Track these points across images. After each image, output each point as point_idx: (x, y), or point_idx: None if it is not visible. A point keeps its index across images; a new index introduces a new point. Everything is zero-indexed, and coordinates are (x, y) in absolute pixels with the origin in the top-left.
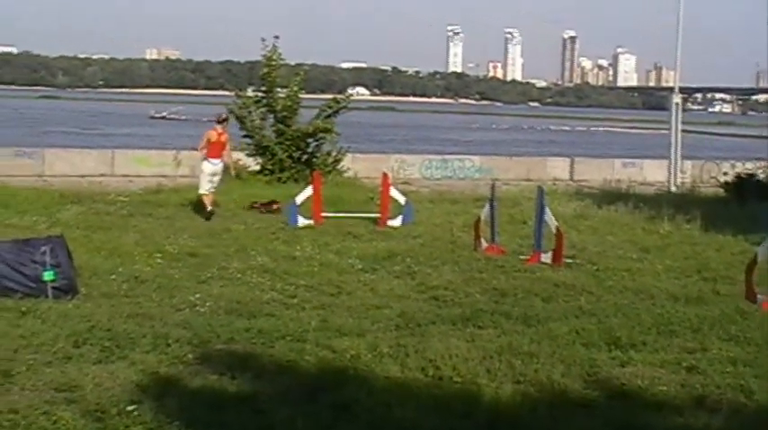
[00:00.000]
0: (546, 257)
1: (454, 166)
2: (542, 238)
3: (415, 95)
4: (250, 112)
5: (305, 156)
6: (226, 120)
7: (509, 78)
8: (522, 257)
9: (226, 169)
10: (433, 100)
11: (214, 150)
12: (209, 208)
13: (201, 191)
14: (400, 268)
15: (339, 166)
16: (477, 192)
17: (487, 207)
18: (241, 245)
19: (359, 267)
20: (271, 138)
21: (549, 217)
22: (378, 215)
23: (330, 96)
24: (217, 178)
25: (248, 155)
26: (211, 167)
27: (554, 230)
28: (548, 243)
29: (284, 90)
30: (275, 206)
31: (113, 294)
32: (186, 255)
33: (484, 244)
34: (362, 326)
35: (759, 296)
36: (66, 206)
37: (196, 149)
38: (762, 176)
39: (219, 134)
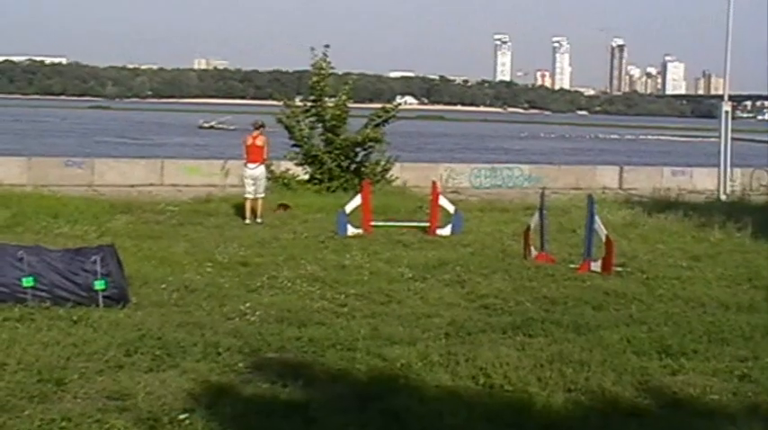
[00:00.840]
0: (596, 266)
1: (503, 175)
2: (592, 247)
3: (463, 104)
4: (299, 122)
5: (354, 166)
6: (261, 126)
7: (557, 87)
8: (572, 266)
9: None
10: (482, 109)
11: (250, 155)
12: (248, 214)
13: (245, 195)
14: (450, 277)
15: (388, 175)
16: (526, 201)
17: (537, 215)
18: (290, 254)
19: (409, 276)
20: (319, 148)
21: (598, 225)
22: (427, 224)
23: (378, 105)
24: (259, 182)
25: (297, 164)
26: (248, 172)
27: (604, 239)
28: (597, 251)
29: (333, 99)
30: (281, 209)
31: (164, 303)
32: (236, 264)
33: (534, 252)
34: (413, 334)
35: None
36: (116, 215)
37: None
38: None
39: (254, 138)
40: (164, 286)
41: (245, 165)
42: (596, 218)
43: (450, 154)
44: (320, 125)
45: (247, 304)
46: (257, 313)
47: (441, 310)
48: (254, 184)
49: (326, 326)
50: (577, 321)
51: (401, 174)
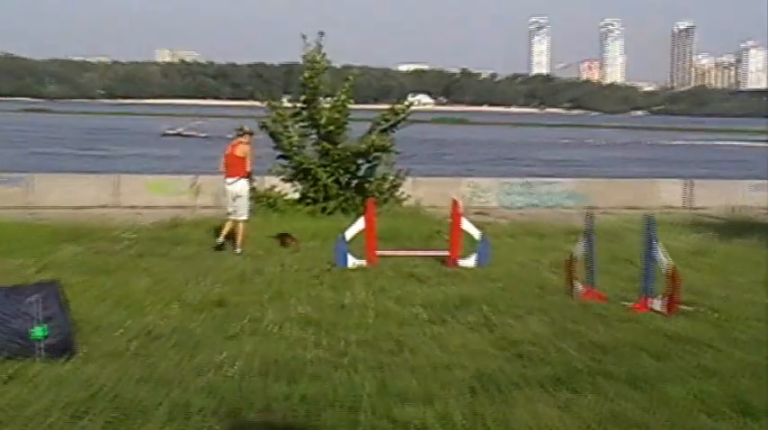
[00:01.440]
0: (657, 304)
1: (540, 192)
2: (652, 280)
3: (490, 104)
4: (287, 127)
5: (355, 181)
6: (248, 133)
7: (607, 81)
8: (626, 304)
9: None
10: (514, 110)
11: (228, 167)
12: (221, 238)
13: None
14: (475, 318)
15: (397, 193)
16: (569, 224)
17: (583, 242)
18: (277, 291)
19: (424, 318)
20: (313, 160)
21: (660, 253)
22: (446, 253)
23: (386, 106)
24: (238, 201)
25: (285, 180)
26: (226, 187)
27: (667, 270)
28: (659, 286)
29: (329, 99)
30: (289, 241)
31: (120, 353)
32: (210, 305)
33: (579, 288)
34: (430, 390)
35: None
36: (61, 245)
37: (220, 172)
38: None
39: (233, 146)
40: (120, 332)
41: (225, 179)
42: (657, 244)
43: (475, 166)
44: (314, 131)
45: (224, 354)
46: (236, 365)
47: (464, 360)
48: (233, 203)
49: (323, 380)
50: (634, 373)
51: (414, 191)
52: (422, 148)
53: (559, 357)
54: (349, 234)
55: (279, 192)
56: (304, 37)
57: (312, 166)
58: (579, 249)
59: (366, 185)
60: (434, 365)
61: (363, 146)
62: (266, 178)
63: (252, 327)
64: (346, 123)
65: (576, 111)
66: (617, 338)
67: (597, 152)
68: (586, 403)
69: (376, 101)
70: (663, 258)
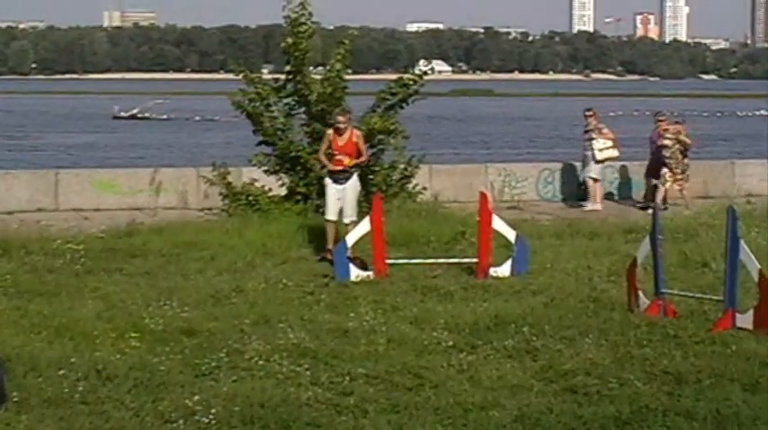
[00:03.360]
0: (744, 320)
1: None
2: (737, 289)
3: (521, 71)
4: (269, 106)
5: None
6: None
7: (668, 39)
8: (706, 321)
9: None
10: (551, 77)
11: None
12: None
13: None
14: (514, 343)
15: (410, 186)
16: (628, 220)
17: (646, 242)
18: (262, 313)
19: (448, 343)
20: (302, 145)
21: (746, 254)
22: (474, 260)
23: (392, 77)
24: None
25: (268, 171)
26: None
27: (755, 276)
28: (746, 297)
29: (321, 70)
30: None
31: (64, 400)
32: (178, 333)
33: (644, 300)
34: None
35: None
36: None
37: (185, 165)
38: None
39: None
40: (62, 372)
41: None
42: (741, 243)
43: (505, 149)
44: (302, 110)
45: (196, 397)
46: (213, 411)
47: (501, 398)
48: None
49: (323, 428)
50: (720, 411)
51: (431, 182)
52: (439, 128)
53: (623, 392)
54: (351, 239)
55: (261, 187)
56: None
57: (301, 154)
58: (643, 252)
59: (370, 177)
60: (464, 405)
61: (365, 127)
62: (244, 170)
63: (231, 362)
64: (342, 99)
65: (630, 77)
66: (696, 366)
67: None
68: None
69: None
70: (750, 260)
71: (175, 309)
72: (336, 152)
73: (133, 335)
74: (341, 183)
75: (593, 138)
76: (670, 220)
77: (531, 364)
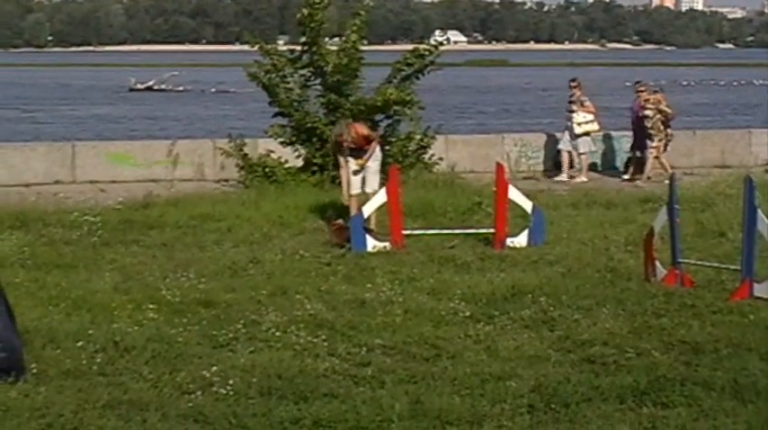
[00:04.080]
0: (762, 289)
1: (606, 149)
2: (754, 258)
3: (537, 41)
4: (284, 78)
5: None
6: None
7: (684, 8)
8: (723, 290)
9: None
10: (567, 46)
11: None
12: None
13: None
14: (531, 313)
15: (426, 157)
16: (644, 190)
17: (663, 212)
18: (279, 285)
19: (465, 314)
20: (318, 117)
21: (763, 224)
22: (491, 230)
23: (408, 47)
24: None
25: (284, 143)
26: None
27: None
28: (763, 266)
29: (336, 41)
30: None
31: (82, 372)
32: (195, 305)
33: (661, 270)
34: (476, 408)
35: None
36: (2, 233)
37: (201, 137)
38: None
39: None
40: (81, 344)
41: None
42: (759, 212)
43: (522, 119)
44: (318, 81)
45: (214, 368)
46: (230, 382)
47: (519, 368)
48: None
49: (340, 399)
50: (738, 380)
51: (447, 153)
52: (455, 98)
53: (641, 362)
54: (367, 209)
55: (276, 158)
56: None
57: (317, 125)
58: (659, 221)
59: (387, 148)
60: (482, 376)
61: (380, 99)
62: (260, 142)
63: (248, 333)
64: (358, 70)
65: (646, 46)
66: (713, 335)
67: (675, 97)
68: (678, 421)
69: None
70: (767, 229)
71: (192, 281)
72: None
73: (150, 306)
74: (361, 156)
75: (573, 111)
76: (686, 189)
77: (548, 335)
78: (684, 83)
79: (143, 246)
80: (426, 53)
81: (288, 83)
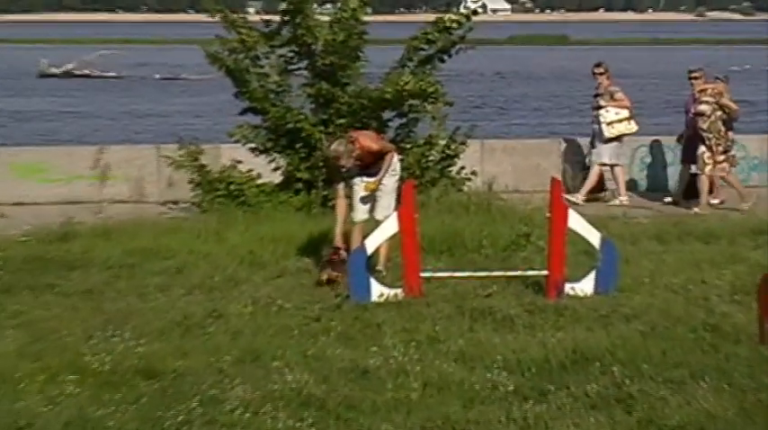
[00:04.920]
0: None
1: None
2: None
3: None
4: (257, 59)
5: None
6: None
7: None
8: None
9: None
10: (650, 16)
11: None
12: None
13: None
14: (599, 388)
15: (453, 170)
16: (758, 217)
17: None
18: (249, 348)
19: (508, 389)
20: (303, 114)
21: None
22: (543, 273)
23: (429, 17)
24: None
25: (256, 150)
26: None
27: None
28: None
29: (329, 9)
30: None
31: None
32: (132, 375)
33: None
34: None
35: None
36: None
37: (141, 142)
38: None
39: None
40: None
41: None
42: None
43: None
44: (304, 66)
45: None
46: None
47: None
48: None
49: None
50: None
51: (482, 165)
52: (495, 89)
53: None
54: (372, 243)
55: (247, 172)
56: None
57: (302, 125)
58: None
59: (400, 157)
60: None
61: (391, 89)
62: (223, 148)
63: (206, 415)
64: (360, 49)
65: (761, 16)
66: None
67: None
68: None
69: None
70: None
71: (128, 342)
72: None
73: (70, 377)
74: (372, 173)
75: (601, 107)
76: None
77: (624, 418)
78: None
79: (60, 294)
80: (454, 26)
81: (262, 66)
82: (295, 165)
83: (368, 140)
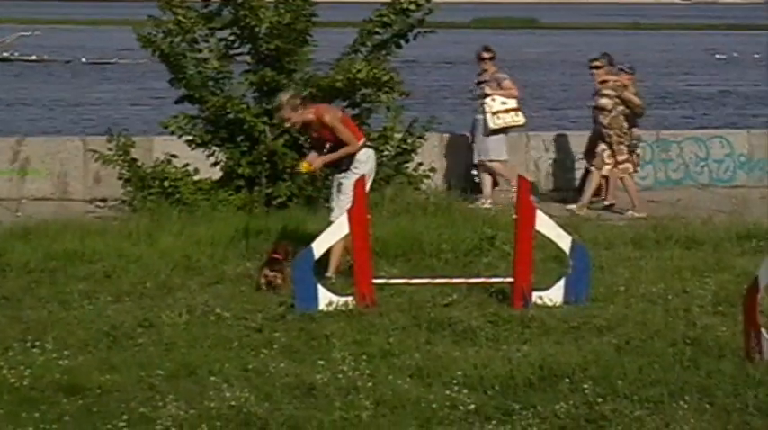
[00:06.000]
0: None
1: (687, 157)
2: None
3: None
4: (194, 43)
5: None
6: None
7: None
8: None
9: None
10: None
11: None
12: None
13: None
14: (569, 407)
15: (410, 166)
16: (743, 220)
17: None
18: (183, 361)
19: (469, 408)
20: (245, 104)
21: None
22: (508, 280)
23: None
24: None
25: (193, 143)
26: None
27: None
28: None
29: None
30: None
31: None
32: (54, 391)
33: None
34: None
35: None
36: None
37: (65, 133)
38: None
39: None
40: None
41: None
42: None
43: (559, 109)
44: (246, 51)
45: None
46: None
47: None
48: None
49: None
50: None
51: (442, 160)
52: (457, 77)
53: None
54: (320, 247)
55: (183, 167)
56: None
57: (244, 116)
58: (767, 270)
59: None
60: None
61: (342, 77)
62: (156, 141)
63: None
64: (308, 33)
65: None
66: None
67: None
68: None
69: None
70: None
71: (50, 355)
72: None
73: None
74: (342, 170)
75: (487, 95)
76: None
77: None
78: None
79: None
80: (412, 8)
81: (200, 51)
82: (236, 159)
83: (324, 110)
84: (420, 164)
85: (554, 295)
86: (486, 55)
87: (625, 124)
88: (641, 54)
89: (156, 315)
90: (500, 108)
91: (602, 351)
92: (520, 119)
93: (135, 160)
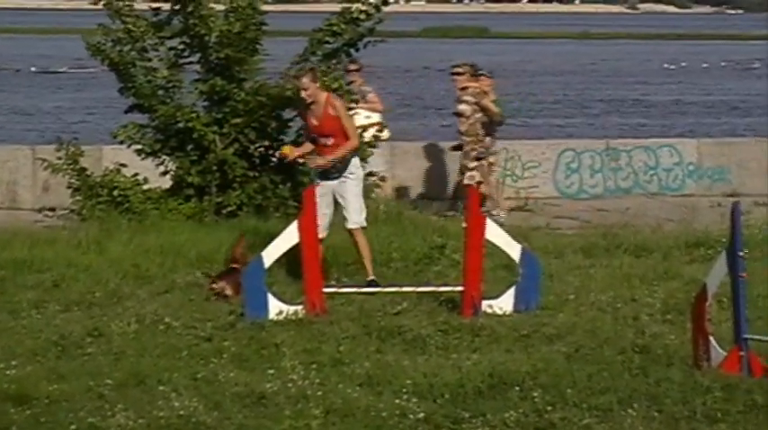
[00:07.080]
0: None
1: (636, 166)
2: None
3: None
4: (144, 52)
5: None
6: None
7: None
8: None
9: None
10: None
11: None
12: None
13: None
14: (518, 415)
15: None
16: (692, 228)
17: (722, 262)
18: (132, 370)
19: (418, 416)
20: (195, 113)
21: None
22: (458, 289)
23: (334, 7)
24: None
25: (142, 152)
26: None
27: None
28: None
29: None
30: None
31: None
32: (3, 401)
33: (719, 351)
34: None
35: None
36: None
37: (13, 142)
38: None
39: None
40: None
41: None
42: None
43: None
44: (196, 60)
45: None
46: None
47: None
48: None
49: None
50: None
51: (393, 169)
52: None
53: None
54: (270, 256)
55: (132, 176)
56: None
57: (194, 125)
58: (715, 276)
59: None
60: None
61: (291, 86)
62: (106, 150)
63: None
64: (258, 41)
65: (699, 9)
66: None
67: (743, 84)
68: None
69: None
70: None
71: None
72: (315, 135)
73: None
74: (333, 177)
75: (350, 109)
76: (756, 229)
77: None
78: (757, 65)
79: None
80: (362, 17)
81: (150, 59)
82: (185, 168)
83: (335, 97)
84: (370, 173)
85: (504, 303)
86: (352, 67)
87: (481, 131)
88: (603, 63)
89: (105, 324)
90: (364, 122)
91: (551, 359)
92: (384, 134)
93: (84, 169)
